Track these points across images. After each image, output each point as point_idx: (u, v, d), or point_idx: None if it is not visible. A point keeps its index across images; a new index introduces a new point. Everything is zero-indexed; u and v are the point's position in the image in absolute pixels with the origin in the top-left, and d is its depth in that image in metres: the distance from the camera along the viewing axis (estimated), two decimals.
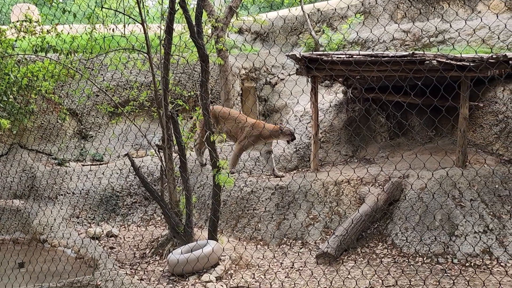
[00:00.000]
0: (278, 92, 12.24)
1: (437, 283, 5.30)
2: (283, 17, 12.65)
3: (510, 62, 7.64)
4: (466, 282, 5.28)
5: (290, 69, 12.21)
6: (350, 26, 11.82)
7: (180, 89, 8.51)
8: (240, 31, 13.66)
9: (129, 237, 7.81)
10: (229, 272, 5.96)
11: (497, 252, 5.89)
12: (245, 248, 6.63)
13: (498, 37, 10.31)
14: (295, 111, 10.37)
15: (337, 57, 7.34)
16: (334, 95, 10.36)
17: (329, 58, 7.36)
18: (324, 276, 5.84)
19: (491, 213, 6.27)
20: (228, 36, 10.36)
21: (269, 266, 6.35)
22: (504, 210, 6.34)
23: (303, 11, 12.50)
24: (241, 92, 11.81)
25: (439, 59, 6.60)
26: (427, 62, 6.62)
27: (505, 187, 6.62)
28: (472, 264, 5.83)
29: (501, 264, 5.75)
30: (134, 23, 6.84)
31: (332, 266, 6.20)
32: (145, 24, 6.68)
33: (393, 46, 11.92)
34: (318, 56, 7.54)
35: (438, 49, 10.88)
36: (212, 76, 11.15)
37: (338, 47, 11.98)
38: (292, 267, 6.23)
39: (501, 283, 5.11)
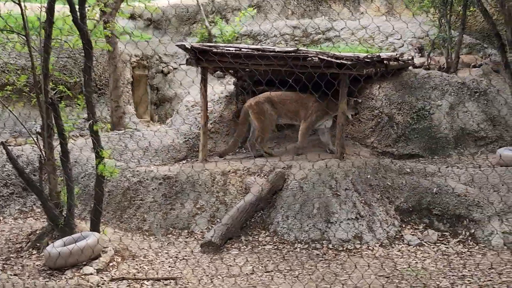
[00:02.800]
0: (170, 81, 12.13)
1: (313, 267, 5.66)
2: (174, 6, 12.51)
3: (385, 62, 8.31)
4: (340, 265, 5.70)
5: (183, 58, 12.14)
6: (240, 20, 12.01)
7: (63, 74, 8.12)
8: (132, 17, 13.28)
9: (3, 231, 7.33)
10: (111, 263, 5.86)
11: (366, 237, 6.41)
12: (126, 237, 6.55)
13: (373, 38, 11.10)
14: (185, 101, 10.36)
15: (226, 50, 7.47)
16: (225, 87, 10.51)
17: (218, 50, 7.46)
18: (207, 264, 5.96)
19: (363, 201, 6.79)
20: (117, 22, 10.03)
21: (155, 256, 6.34)
22: (374, 198, 6.90)
23: (198, 1, 12.47)
24: (131, 80, 11.54)
25: (320, 57, 6.99)
26: (309, 59, 6.97)
27: (376, 177, 7.19)
28: (345, 248, 6.29)
29: (369, 248, 6.28)
30: (11, 1, 6.39)
31: (216, 255, 6.35)
32: (22, 4, 6.28)
33: (284, 41, 12.34)
34: (207, 48, 7.60)
35: (314, 47, 11.45)
36: (100, 63, 10.76)
37: (231, 39, 12.14)
38: (176, 257, 6.28)
39: (369, 265, 5.58)
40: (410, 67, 9.59)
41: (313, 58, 6.97)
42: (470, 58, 10.19)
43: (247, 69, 8.80)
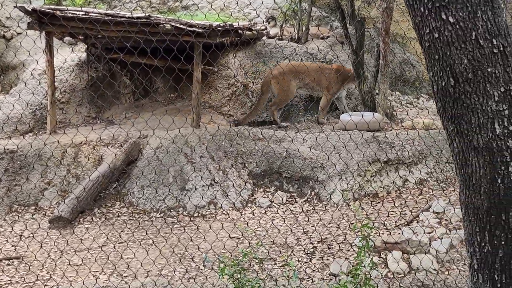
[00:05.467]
0: (14, 47, 11.08)
1: (168, 234, 5.70)
2: None
3: (239, 31, 8.47)
4: (194, 230, 5.81)
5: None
6: None
7: None
8: None
9: None
10: None
11: (221, 202, 6.61)
12: None
13: (229, 8, 11.24)
14: (32, 69, 9.57)
15: (72, 13, 7.02)
16: (77, 54, 9.89)
17: (62, 14, 6.98)
18: (57, 240, 5.68)
19: (217, 168, 6.97)
20: None
21: None
22: (229, 164, 7.11)
23: None
24: None
25: (172, 24, 6.89)
26: (161, 25, 6.85)
27: (231, 144, 7.40)
28: (200, 214, 6.42)
29: (224, 212, 6.49)
30: None
31: (67, 229, 6.08)
32: None
33: (140, 7, 11.94)
34: (49, 10, 7.06)
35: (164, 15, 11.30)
36: None
37: (83, 3, 11.41)
38: (21, 235, 5.89)
39: (223, 227, 5.77)
40: (265, 37, 9.90)
41: (165, 25, 6.85)
42: (320, 29, 10.81)
43: (99, 36, 8.36)
